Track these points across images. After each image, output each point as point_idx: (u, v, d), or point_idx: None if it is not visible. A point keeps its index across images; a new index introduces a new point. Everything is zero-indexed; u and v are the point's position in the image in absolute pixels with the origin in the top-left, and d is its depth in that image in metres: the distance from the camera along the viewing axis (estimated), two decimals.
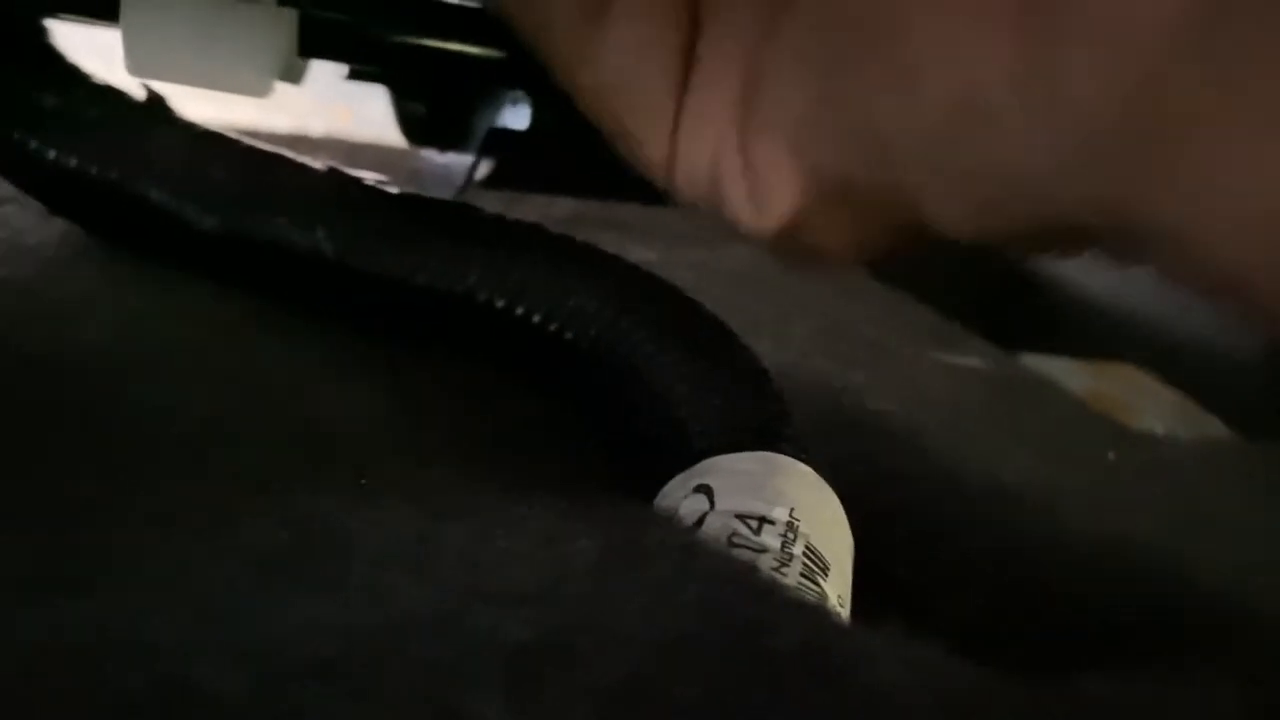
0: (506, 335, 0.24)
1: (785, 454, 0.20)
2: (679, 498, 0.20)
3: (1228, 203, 0.13)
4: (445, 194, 0.26)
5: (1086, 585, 0.26)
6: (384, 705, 0.10)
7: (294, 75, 0.23)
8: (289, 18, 0.21)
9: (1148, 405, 0.41)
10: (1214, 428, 0.41)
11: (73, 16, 0.22)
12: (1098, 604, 0.25)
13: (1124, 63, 0.13)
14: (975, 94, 0.14)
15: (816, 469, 0.21)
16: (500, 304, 0.24)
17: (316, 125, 0.47)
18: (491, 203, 0.25)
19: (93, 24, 0.22)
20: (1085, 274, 0.53)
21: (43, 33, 0.25)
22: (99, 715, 0.10)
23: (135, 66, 0.21)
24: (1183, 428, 0.40)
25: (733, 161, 0.18)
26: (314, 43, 0.22)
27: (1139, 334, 0.50)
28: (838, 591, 0.19)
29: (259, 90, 0.21)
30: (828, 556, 0.19)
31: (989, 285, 0.52)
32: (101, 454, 0.17)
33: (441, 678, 0.11)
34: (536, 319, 0.24)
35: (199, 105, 0.25)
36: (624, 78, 0.18)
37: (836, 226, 0.18)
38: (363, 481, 0.19)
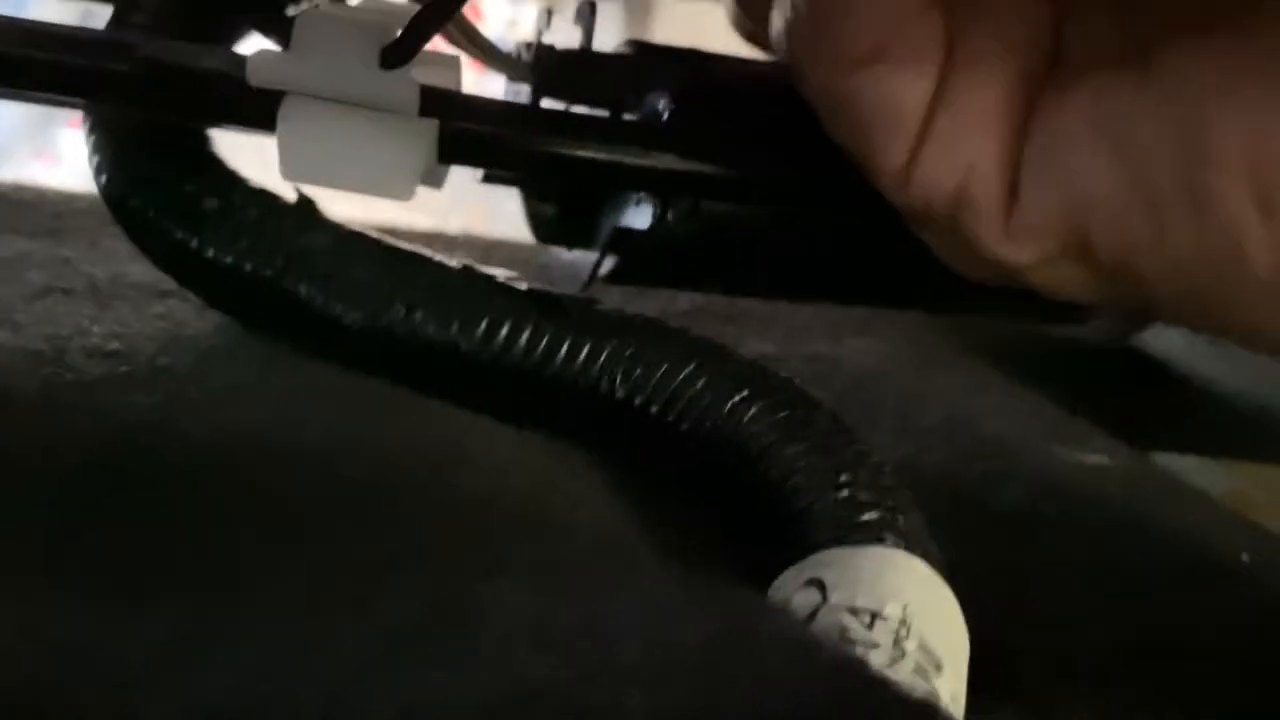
0: (626, 425, 0.25)
1: (899, 548, 0.21)
2: (792, 590, 0.20)
3: None
4: (572, 289, 0.27)
5: (1227, 682, 0.25)
6: None
7: (435, 180, 0.24)
8: (430, 128, 0.22)
9: None
10: None
11: (233, 126, 0.24)
12: (1242, 704, 0.24)
13: None
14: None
15: (932, 564, 0.21)
16: (620, 395, 0.25)
17: (453, 222, 0.49)
18: (615, 297, 0.26)
19: (251, 133, 0.23)
20: (1217, 370, 0.51)
21: (206, 140, 0.27)
22: None
23: (289, 171, 0.22)
24: None
25: (991, 182, 0.18)
26: (453, 150, 0.23)
27: (1276, 434, 0.48)
28: (951, 689, 0.19)
29: (403, 194, 0.22)
30: (941, 654, 0.19)
31: (1116, 380, 0.51)
32: (257, 529, 0.19)
33: None
34: (654, 409, 0.25)
35: (343, 205, 0.27)
36: (876, 86, 0.19)
37: (1067, 277, 0.19)
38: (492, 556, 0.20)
